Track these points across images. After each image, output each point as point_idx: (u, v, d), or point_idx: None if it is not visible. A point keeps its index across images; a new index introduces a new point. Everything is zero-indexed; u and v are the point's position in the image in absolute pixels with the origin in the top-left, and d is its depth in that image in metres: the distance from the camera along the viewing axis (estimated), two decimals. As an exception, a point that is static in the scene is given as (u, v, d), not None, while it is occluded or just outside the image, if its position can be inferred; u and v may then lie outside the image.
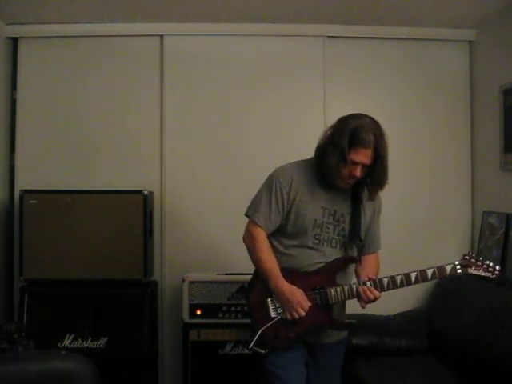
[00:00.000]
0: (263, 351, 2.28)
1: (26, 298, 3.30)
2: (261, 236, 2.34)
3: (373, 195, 2.35)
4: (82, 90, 3.77)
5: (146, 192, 3.42)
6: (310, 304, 2.26)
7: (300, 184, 2.32)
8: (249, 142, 3.77)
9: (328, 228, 2.33)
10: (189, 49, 3.80)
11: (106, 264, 3.35)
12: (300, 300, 2.24)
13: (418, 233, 3.78)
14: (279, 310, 2.30)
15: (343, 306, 2.46)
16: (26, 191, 3.40)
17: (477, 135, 3.80)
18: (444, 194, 3.82)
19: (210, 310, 3.33)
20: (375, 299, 2.26)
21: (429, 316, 3.53)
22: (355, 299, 2.31)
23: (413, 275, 2.26)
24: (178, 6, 3.46)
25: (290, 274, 2.30)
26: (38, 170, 3.71)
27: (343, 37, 3.80)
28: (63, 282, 3.35)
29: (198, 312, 3.32)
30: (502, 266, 3.18)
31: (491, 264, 2.27)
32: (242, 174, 3.66)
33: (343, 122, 2.27)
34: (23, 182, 3.66)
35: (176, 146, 3.76)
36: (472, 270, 2.26)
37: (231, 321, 3.34)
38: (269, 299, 2.32)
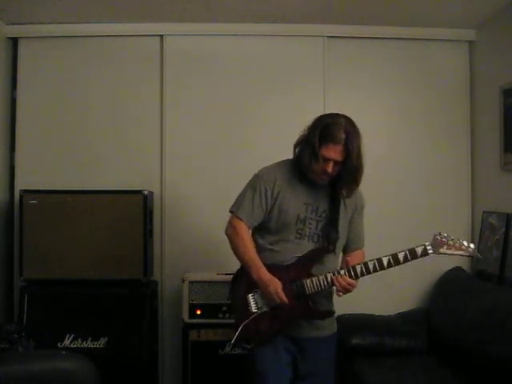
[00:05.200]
0: (248, 346, 2.35)
1: (26, 297, 3.29)
2: (243, 228, 2.40)
3: (348, 192, 2.36)
4: (81, 89, 3.76)
5: (146, 192, 3.42)
6: (286, 300, 2.28)
7: (283, 182, 2.39)
8: (249, 142, 3.76)
9: (311, 223, 2.37)
10: (189, 49, 3.80)
11: (106, 264, 3.34)
12: (278, 291, 2.29)
13: (417, 233, 3.72)
14: (260, 305, 2.35)
15: (328, 296, 2.46)
16: (25, 191, 3.40)
17: (477, 135, 3.80)
18: (444, 194, 3.82)
19: (210, 310, 3.33)
20: (350, 286, 2.27)
21: (429, 316, 3.52)
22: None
23: (385, 259, 2.27)
24: (177, 6, 3.47)
25: (272, 269, 2.34)
26: (37, 170, 3.71)
27: (343, 37, 3.80)
28: (63, 281, 3.35)
29: (198, 312, 3.32)
30: (502, 266, 3.18)
31: (464, 242, 2.23)
32: (242, 174, 3.59)
33: (317, 120, 2.34)
34: (23, 182, 3.66)
35: (176, 146, 3.76)
36: (444, 250, 2.23)
37: (231, 321, 3.30)
38: (249, 295, 2.38)
